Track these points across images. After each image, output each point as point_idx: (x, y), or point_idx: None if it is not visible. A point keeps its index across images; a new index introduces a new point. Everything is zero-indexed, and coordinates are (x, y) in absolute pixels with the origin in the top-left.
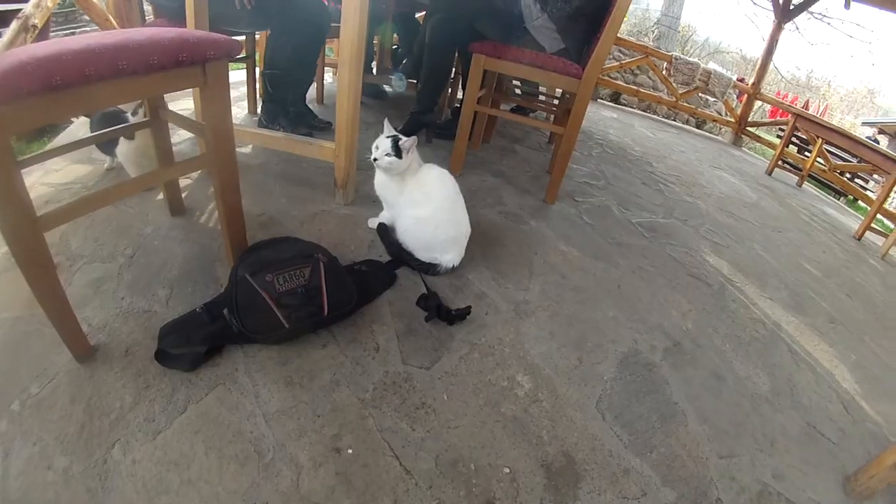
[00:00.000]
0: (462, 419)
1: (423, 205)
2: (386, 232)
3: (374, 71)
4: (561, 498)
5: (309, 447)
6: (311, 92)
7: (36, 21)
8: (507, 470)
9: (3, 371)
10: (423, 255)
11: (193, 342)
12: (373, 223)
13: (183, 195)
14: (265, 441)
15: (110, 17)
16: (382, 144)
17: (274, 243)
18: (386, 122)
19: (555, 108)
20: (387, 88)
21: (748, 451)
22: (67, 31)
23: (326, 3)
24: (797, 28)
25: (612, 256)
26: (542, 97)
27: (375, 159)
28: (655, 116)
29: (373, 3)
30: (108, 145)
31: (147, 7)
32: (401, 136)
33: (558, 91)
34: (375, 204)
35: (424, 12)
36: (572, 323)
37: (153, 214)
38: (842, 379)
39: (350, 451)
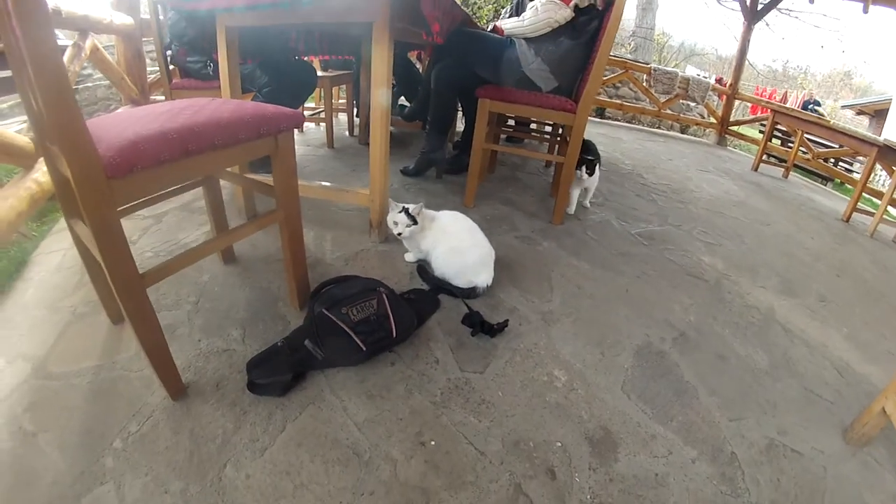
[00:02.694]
0: (516, 409)
1: (449, 240)
2: (424, 270)
3: None
4: (605, 461)
5: (398, 444)
6: (322, 137)
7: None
8: (559, 444)
9: (98, 415)
10: (461, 282)
11: (280, 372)
12: (409, 257)
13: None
14: (361, 444)
15: (126, 77)
16: (399, 219)
17: (339, 281)
18: (391, 202)
19: (548, 137)
20: (392, 130)
21: (754, 414)
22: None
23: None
24: (767, 25)
25: (618, 265)
26: (532, 125)
27: (400, 234)
28: (641, 127)
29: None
30: None
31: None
32: (408, 206)
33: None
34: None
35: (417, 52)
36: (592, 325)
37: (206, 264)
38: (834, 349)
39: (433, 443)
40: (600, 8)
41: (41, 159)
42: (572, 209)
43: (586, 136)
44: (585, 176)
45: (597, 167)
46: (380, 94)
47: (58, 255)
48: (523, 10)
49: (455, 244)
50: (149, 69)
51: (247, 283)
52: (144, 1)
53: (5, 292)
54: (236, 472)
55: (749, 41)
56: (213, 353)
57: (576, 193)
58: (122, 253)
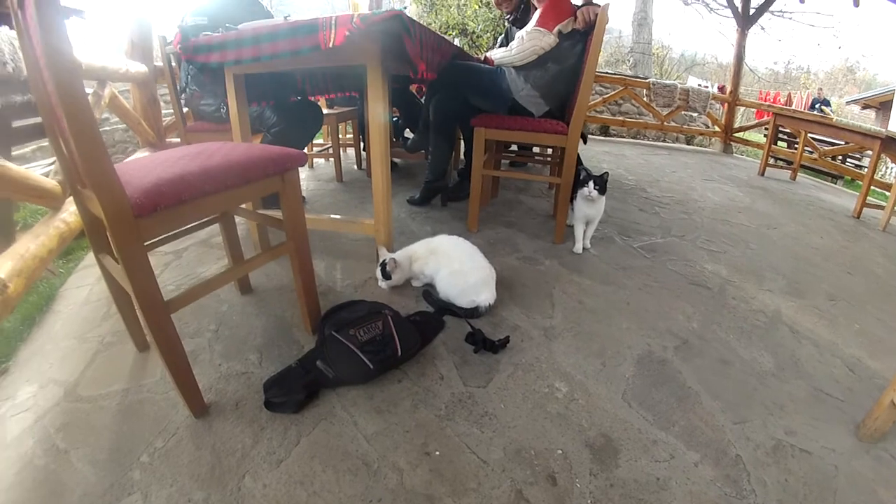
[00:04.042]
0: (518, 420)
1: (451, 263)
2: (429, 294)
3: None
4: (605, 467)
5: (405, 454)
6: (331, 172)
7: None
8: (560, 451)
9: (126, 433)
10: (464, 302)
11: (295, 391)
12: (416, 283)
13: None
14: (370, 455)
15: (142, 121)
16: (378, 273)
17: (347, 306)
18: (381, 249)
19: (549, 158)
20: (396, 161)
21: (759, 416)
22: None
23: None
24: (763, 28)
25: (620, 279)
26: (535, 148)
27: (382, 285)
28: (646, 141)
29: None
30: None
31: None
32: (386, 258)
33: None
34: None
35: (417, 85)
36: (593, 338)
37: (225, 295)
38: (845, 346)
39: (437, 453)
40: (581, 30)
41: (68, 200)
42: (579, 247)
43: (590, 157)
44: (595, 193)
45: (606, 183)
46: (377, 130)
47: (84, 290)
48: (512, 39)
49: (457, 267)
50: (163, 111)
51: (263, 311)
52: (156, 47)
53: (36, 324)
54: (254, 483)
55: (744, 47)
56: (232, 376)
57: (581, 229)
58: (149, 283)
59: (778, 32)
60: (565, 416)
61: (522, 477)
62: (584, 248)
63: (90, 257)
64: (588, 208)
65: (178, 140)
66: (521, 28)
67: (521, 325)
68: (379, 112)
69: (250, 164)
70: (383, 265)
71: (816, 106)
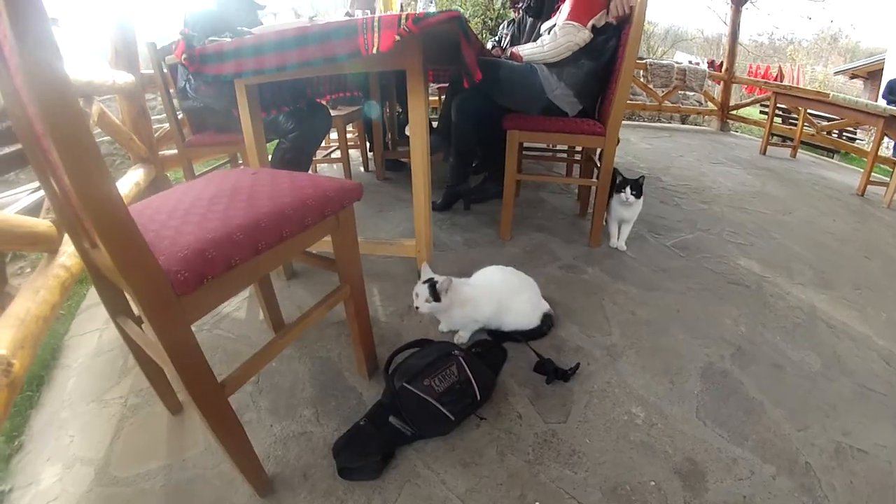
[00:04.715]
0: (605, 455)
1: (515, 292)
2: (495, 335)
3: (390, 146)
4: (697, 493)
5: None
6: (340, 176)
7: None
8: (653, 483)
9: None
10: (534, 322)
11: (370, 452)
12: (445, 325)
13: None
14: None
15: (134, 137)
16: (421, 291)
17: (410, 348)
18: (425, 266)
19: (564, 156)
20: (404, 161)
21: (817, 419)
22: None
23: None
24: (753, 4)
25: (663, 283)
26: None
27: (417, 308)
28: (642, 122)
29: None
30: None
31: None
32: (437, 278)
33: None
34: None
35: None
36: (655, 353)
37: (256, 337)
38: (878, 338)
39: (537, 503)
40: (615, 24)
41: (65, 238)
42: (615, 242)
43: None
44: (632, 198)
45: (642, 186)
46: (418, 142)
47: (93, 336)
48: (525, 30)
49: (521, 293)
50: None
51: (305, 354)
52: (143, 54)
53: (45, 383)
54: None
55: (739, 24)
56: (289, 439)
57: (615, 226)
58: (199, 367)
59: (767, 6)
60: (649, 443)
61: None
62: (620, 249)
63: (94, 293)
64: (625, 210)
65: (174, 152)
66: (535, 16)
67: (583, 345)
68: (420, 121)
69: (305, 207)
70: (432, 285)
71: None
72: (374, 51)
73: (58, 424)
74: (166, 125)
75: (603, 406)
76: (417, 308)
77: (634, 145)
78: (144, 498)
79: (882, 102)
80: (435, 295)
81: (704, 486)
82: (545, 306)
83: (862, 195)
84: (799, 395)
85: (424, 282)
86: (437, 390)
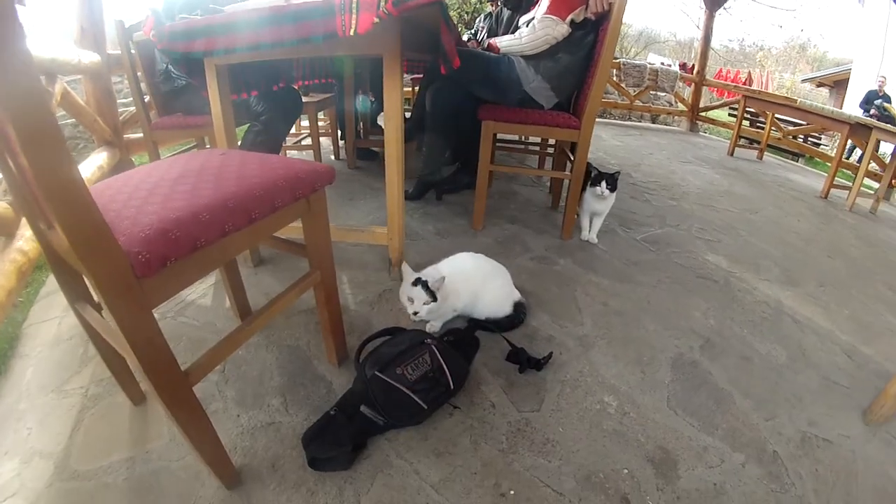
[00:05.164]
0: (579, 443)
1: (487, 279)
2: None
3: (362, 135)
4: (669, 480)
5: (479, 500)
6: (311, 160)
7: None
8: (626, 471)
9: None
10: (508, 307)
11: (341, 443)
12: (434, 327)
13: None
14: None
15: (98, 118)
16: (416, 295)
17: (382, 336)
18: (405, 267)
19: (539, 149)
20: (375, 150)
21: (784, 410)
22: None
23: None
24: (726, 9)
25: (634, 276)
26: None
27: (416, 312)
28: (613, 120)
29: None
30: None
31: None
32: (424, 276)
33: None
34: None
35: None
36: (627, 344)
37: (222, 324)
38: (841, 333)
39: (512, 492)
40: (593, 19)
41: (22, 221)
42: (586, 235)
43: None
44: (607, 192)
45: (617, 181)
46: (393, 130)
47: (52, 324)
48: (503, 23)
49: (494, 280)
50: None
51: (273, 342)
52: (110, 35)
53: (2, 374)
54: None
55: (712, 29)
56: (257, 429)
57: (586, 219)
58: (162, 356)
59: (740, 13)
60: (621, 432)
61: (598, 502)
62: (592, 242)
63: (53, 280)
64: (597, 204)
65: (139, 136)
66: (514, 9)
67: (556, 335)
68: (395, 107)
69: (275, 187)
70: (424, 284)
71: (877, 103)
72: (352, 32)
73: (16, 416)
74: (133, 108)
75: (576, 395)
76: (415, 314)
77: (605, 142)
78: (107, 492)
79: (859, 112)
80: (432, 294)
81: (676, 474)
82: (516, 295)
83: (826, 198)
84: (766, 386)
85: (414, 283)
86: (410, 379)
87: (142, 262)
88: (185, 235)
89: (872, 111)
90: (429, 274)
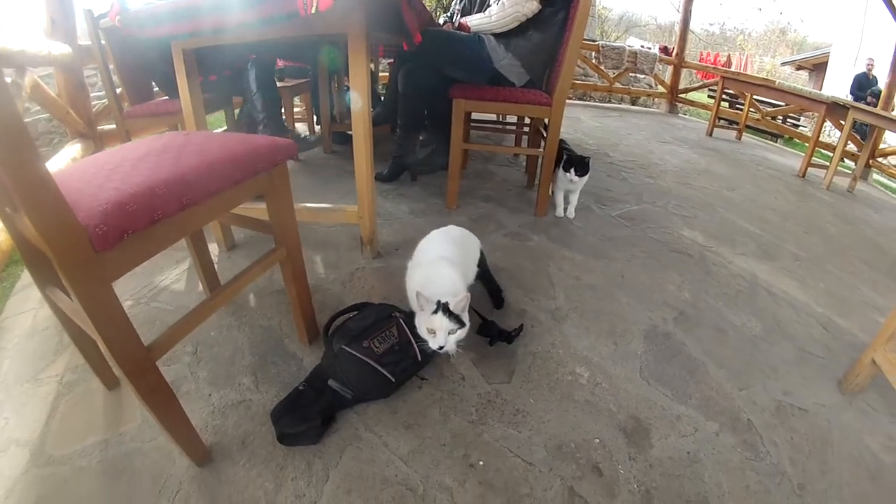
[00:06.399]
0: (550, 413)
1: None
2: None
3: (338, 119)
4: (641, 449)
5: (449, 471)
6: None
7: None
8: (598, 440)
9: (120, 498)
10: (470, 277)
11: (310, 417)
12: (445, 347)
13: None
14: (411, 478)
15: (70, 110)
16: (439, 325)
17: (349, 311)
18: (419, 295)
19: (515, 128)
20: (351, 133)
21: (759, 380)
22: None
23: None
24: None
25: (609, 251)
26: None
27: (441, 347)
28: (593, 103)
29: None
30: None
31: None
32: (445, 300)
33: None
34: (399, 252)
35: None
36: (599, 316)
37: (193, 304)
38: (816, 306)
39: (481, 463)
40: None
41: None
42: (560, 212)
43: None
44: (576, 178)
45: (588, 166)
46: (361, 106)
47: (27, 316)
48: (476, 3)
49: (465, 245)
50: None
51: (244, 322)
52: (81, 26)
53: None
54: None
55: (691, 11)
56: (228, 407)
57: (560, 196)
58: (123, 331)
59: None
60: (593, 402)
61: (570, 473)
62: (568, 217)
63: (28, 275)
64: (570, 183)
65: (112, 127)
66: None
67: (528, 309)
68: (361, 85)
69: (235, 160)
70: (444, 309)
71: (873, 90)
72: (314, 10)
73: None
74: (106, 101)
75: (547, 367)
76: (441, 349)
77: (584, 123)
78: (81, 475)
79: (849, 98)
80: (458, 320)
81: (649, 443)
82: (471, 274)
83: (803, 177)
84: (741, 357)
85: (434, 312)
86: (377, 352)
87: (99, 236)
88: (143, 208)
89: (869, 99)
90: (441, 292)
